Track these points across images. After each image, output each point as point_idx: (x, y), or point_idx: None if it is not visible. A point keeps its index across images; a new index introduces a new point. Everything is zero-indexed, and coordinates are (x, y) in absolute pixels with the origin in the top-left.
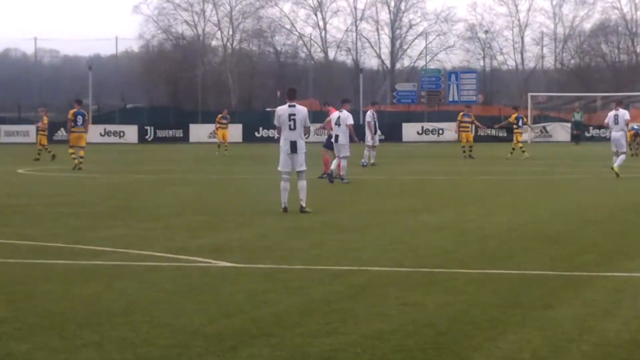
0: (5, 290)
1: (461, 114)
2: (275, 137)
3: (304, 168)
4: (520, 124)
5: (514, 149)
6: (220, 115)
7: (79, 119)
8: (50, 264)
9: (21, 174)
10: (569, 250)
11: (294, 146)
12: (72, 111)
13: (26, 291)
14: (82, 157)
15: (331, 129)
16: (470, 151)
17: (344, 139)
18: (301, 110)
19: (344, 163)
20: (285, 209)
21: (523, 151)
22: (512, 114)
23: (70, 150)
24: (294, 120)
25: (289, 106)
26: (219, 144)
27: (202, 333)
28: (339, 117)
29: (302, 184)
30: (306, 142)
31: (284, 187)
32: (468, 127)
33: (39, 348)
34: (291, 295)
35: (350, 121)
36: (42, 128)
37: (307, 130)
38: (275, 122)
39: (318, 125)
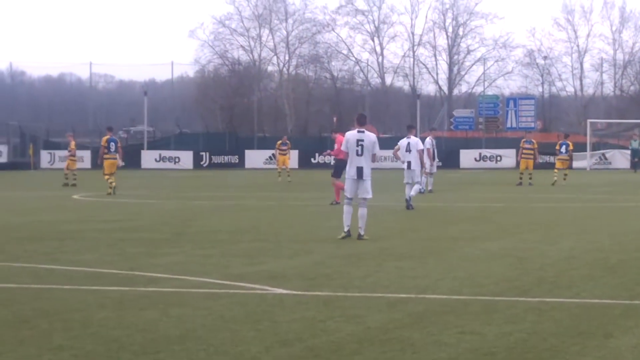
0: (62, 317)
1: (523, 140)
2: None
3: (369, 196)
4: (562, 150)
5: (566, 174)
6: (279, 142)
7: (112, 145)
8: (106, 291)
9: (76, 199)
10: (629, 278)
11: (360, 172)
12: (104, 138)
13: (82, 318)
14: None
15: (398, 157)
16: (530, 178)
17: (415, 164)
18: (369, 136)
19: (416, 188)
20: (347, 233)
21: (554, 178)
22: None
23: (106, 177)
24: (362, 146)
25: (358, 132)
26: (279, 171)
27: None
28: (408, 144)
29: (363, 211)
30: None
31: (347, 211)
32: (530, 154)
33: None
34: (349, 323)
35: (421, 146)
36: (72, 153)
37: (374, 158)
38: (343, 147)
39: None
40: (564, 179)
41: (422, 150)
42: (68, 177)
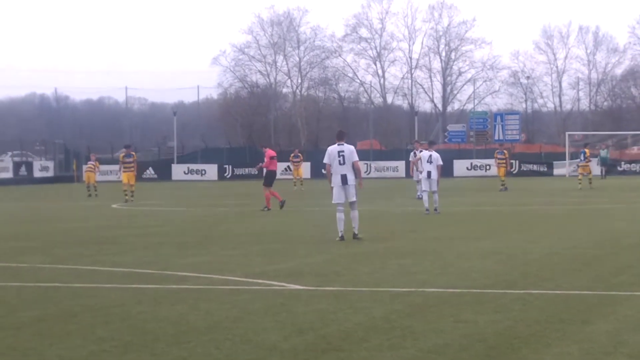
0: (103, 312)
1: (496, 152)
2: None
3: (354, 199)
4: (582, 157)
5: (590, 180)
6: (292, 155)
7: (128, 160)
8: (142, 288)
9: (115, 208)
10: (605, 272)
11: (344, 179)
12: (122, 154)
13: (121, 313)
14: (132, 192)
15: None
16: (502, 184)
17: (435, 174)
18: (348, 147)
19: (436, 197)
20: (342, 238)
21: (579, 182)
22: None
23: (124, 188)
24: (343, 156)
25: (338, 144)
26: (295, 181)
27: (279, 348)
28: (430, 156)
29: (355, 213)
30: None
31: (340, 218)
32: (502, 163)
33: None
34: (357, 314)
35: (441, 162)
36: (92, 168)
37: (355, 164)
38: (326, 160)
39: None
40: (590, 184)
41: (441, 165)
42: (90, 188)
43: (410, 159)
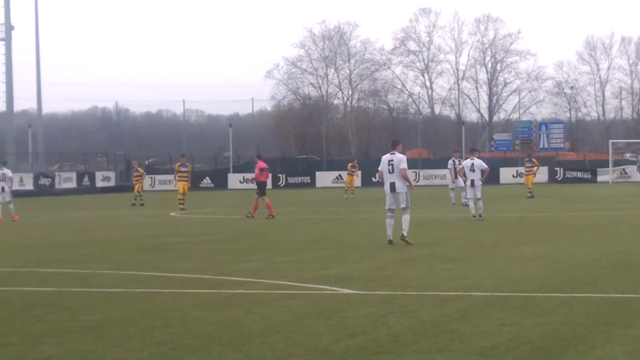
0: (162, 316)
1: (525, 160)
2: (379, 179)
3: (404, 205)
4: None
5: None
6: (350, 164)
7: (183, 169)
8: (199, 293)
9: (173, 216)
10: None
11: (392, 186)
12: (177, 164)
13: (179, 317)
14: (181, 201)
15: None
16: (530, 192)
17: (479, 181)
18: (398, 156)
19: (480, 204)
20: (390, 242)
21: None
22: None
23: (179, 197)
24: (392, 165)
25: (390, 154)
26: (346, 189)
27: (330, 351)
28: (472, 164)
29: (405, 217)
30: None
31: (389, 223)
32: (530, 171)
33: None
34: (406, 317)
35: (485, 166)
36: (137, 176)
37: (403, 172)
38: (380, 167)
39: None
40: None
41: (488, 169)
42: (136, 198)
43: (448, 167)
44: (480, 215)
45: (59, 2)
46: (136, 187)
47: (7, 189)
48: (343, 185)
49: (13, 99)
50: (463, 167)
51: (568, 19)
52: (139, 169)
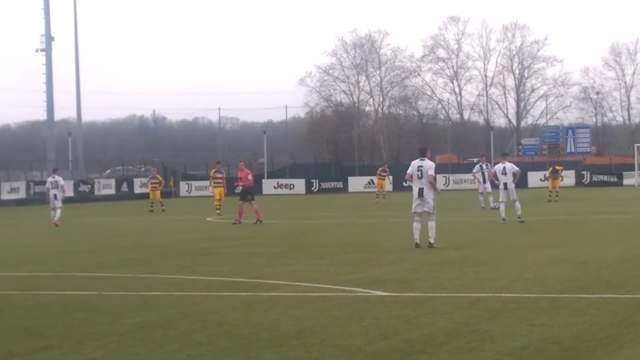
0: (200, 319)
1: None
2: (409, 184)
3: (430, 211)
4: None
5: None
6: (380, 169)
7: (218, 175)
8: (236, 296)
9: (210, 221)
10: None
11: (421, 192)
12: (213, 170)
13: (217, 319)
14: (218, 207)
15: (494, 179)
16: (553, 195)
17: (512, 184)
18: (427, 163)
19: (518, 205)
20: (417, 245)
21: None
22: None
23: (216, 203)
24: (421, 171)
25: (420, 160)
26: (377, 193)
27: (364, 352)
28: (504, 168)
29: (431, 224)
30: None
31: (415, 227)
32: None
33: None
34: (438, 319)
35: (517, 168)
36: (155, 184)
37: (430, 178)
38: (409, 171)
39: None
40: None
41: (520, 171)
42: (154, 204)
43: (474, 171)
44: (519, 217)
45: (98, 14)
46: (155, 195)
47: (59, 196)
48: (375, 190)
49: (53, 107)
50: (495, 172)
51: (594, 26)
52: (157, 176)
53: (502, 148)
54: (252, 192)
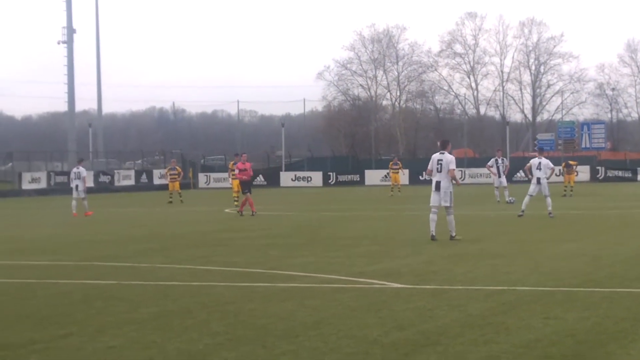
0: (218, 309)
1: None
2: (426, 177)
3: (447, 204)
4: None
5: None
6: (391, 162)
7: (237, 168)
8: (253, 286)
9: (227, 212)
10: None
11: (438, 185)
12: (231, 162)
13: (235, 309)
14: (237, 198)
15: (528, 173)
16: (571, 190)
17: (544, 179)
18: (447, 157)
19: (549, 200)
20: (432, 237)
21: None
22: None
23: (234, 194)
24: (441, 164)
25: (440, 153)
26: (392, 187)
27: (380, 343)
28: (539, 163)
29: (449, 218)
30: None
31: (432, 219)
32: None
33: (245, 356)
34: (453, 311)
35: (552, 165)
36: (175, 175)
37: (451, 173)
38: (429, 166)
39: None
40: None
41: (553, 168)
42: (173, 195)
43: (488, 164)
44: (550, 213)
45: (119, 6)
46: (174, 186)
47: (80, 187)
48: (389, 184)
49: (75, 99)
50: (530, 165)
51: (609, 23)
52: (177, 167)
53: (517, 143)
54: (251, 184)
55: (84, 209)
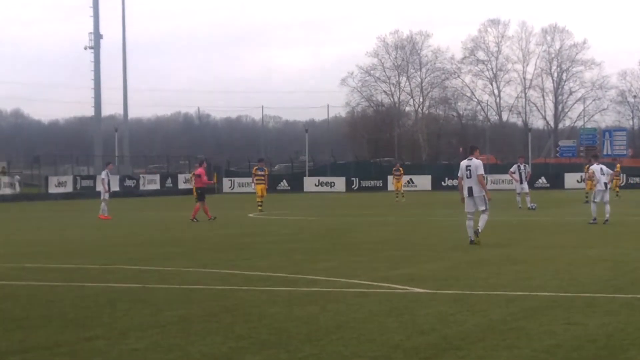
0: (242, 312)
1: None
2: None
3: (483, 208)
4: None
5: None
6: (394, 169)
7: (260, 172)
8: (277, 291)
9: (252, 217)
10: None
11: (470, 191)
12: (255, 167)
13: (258, 313)
14: (261, 203)
15: (594, 180)
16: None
17: (607, 186)
18: (475, 162)
19: (608, 207)
20: (471, 242)
21: None
22: None
23: (258, 199)
24: (469, 170)
25: (468, 159)
26: (396, 193)
27: (402, 347)
28: (601, 168)
29: (483, 216)
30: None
31: (469, 225)
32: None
33: (269, 359)
34: (474, 316)
35: (610, 171)
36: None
37: (479, 178)
38: (458, 174)
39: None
40: None
41: (612, 172)
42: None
43: (511, 170)
44: (607, 220)
45: (146, 12)
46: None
47: (101, 190)
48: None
49: (101, 104)
50: (594, 172)
51: (632, 30)
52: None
53: (539, 150)
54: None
55: (100, 212)
